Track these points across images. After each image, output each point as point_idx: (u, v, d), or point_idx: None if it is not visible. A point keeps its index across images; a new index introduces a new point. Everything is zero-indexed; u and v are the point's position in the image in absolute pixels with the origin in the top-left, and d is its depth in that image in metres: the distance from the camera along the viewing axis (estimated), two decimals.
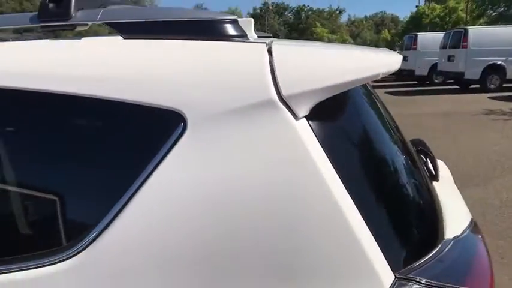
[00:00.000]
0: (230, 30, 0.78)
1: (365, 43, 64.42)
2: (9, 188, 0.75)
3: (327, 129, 0.71)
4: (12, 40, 0.92)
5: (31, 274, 0.67)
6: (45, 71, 0.72)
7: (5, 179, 0.75)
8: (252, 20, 1.15)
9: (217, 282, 0.65)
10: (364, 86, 1.06)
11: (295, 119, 0.64)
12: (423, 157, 1.14)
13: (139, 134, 0.70)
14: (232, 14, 0.95)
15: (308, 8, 64.94)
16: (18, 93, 0.71)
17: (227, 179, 0.64)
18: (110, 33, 1.17)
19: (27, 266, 0.68)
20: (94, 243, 0.65)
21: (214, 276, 0.64)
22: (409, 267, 0.69)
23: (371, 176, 0.74)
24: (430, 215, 0.84)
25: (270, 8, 62.78)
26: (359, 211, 0.65)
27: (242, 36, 0.79)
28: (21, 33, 1.29)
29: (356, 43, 62.92)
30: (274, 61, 0.66)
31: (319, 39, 54.66)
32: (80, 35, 1.00)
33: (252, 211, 0.64)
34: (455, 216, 0.94)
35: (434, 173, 1.04)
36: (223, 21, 0.78)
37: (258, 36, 0.93)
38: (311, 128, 0.66)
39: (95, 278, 0.65)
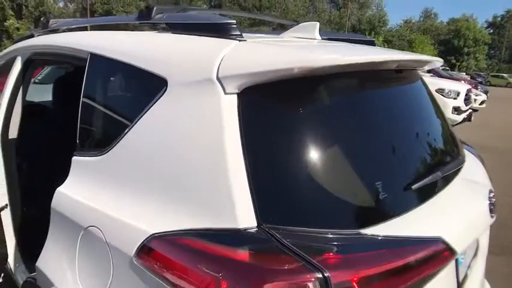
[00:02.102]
0: (228, 30, 1.08)
1: None
2: (100, 111, 1.30)
3: (264, 112, 0.95)
4: None
5: (86, 159, 1.22)
6: (119, 49, 1.23)
7: (99, 105, 1.30)
8: (318, 23, 1.43)
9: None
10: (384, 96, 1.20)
11: (224, 93, 0.92)
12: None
13: (144, 88, 1.14)
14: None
15: None
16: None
17: (181, 123, 0.99)
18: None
19: (85, 154, 1.23)
20: (113, 149, 1.13)
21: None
22: (284, 227, 0.84)
23: (269, 155, 0.91)
24: (340, 203, 0.92)
25: None
26: (251, 171, 0.87)
27: (237, 35, 1.08)
28: None
29: None
30: (228, 53, 0.95)
31: None
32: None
33: (182, 148, 0.97)
34: (408, 226, 0.96)
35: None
36: (224, 24, 1.09)
37: (323, 38, 1.37)
38: (240, 104, 0.92)
39: (114, 167, 1.13)
